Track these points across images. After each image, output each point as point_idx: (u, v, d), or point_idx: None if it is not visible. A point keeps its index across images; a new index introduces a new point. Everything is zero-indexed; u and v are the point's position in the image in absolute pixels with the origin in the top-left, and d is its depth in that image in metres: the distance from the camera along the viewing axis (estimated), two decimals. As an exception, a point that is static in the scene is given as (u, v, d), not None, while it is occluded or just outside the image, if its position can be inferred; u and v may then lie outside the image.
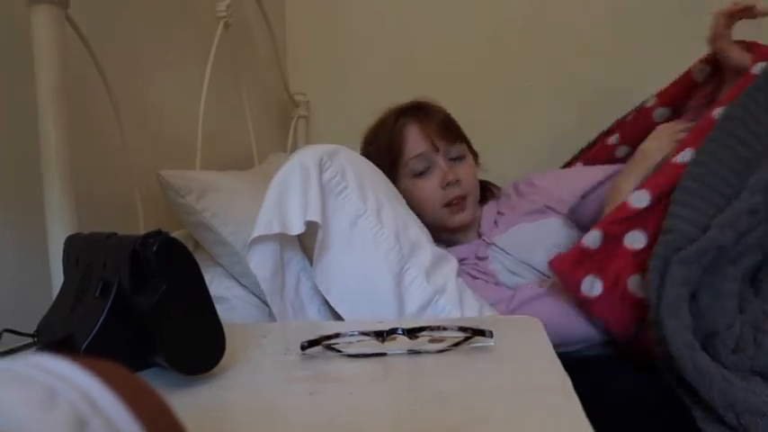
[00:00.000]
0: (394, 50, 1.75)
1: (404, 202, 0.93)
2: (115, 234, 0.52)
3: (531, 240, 1.08)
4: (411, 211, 0.93)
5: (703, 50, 1.12)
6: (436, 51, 1.72)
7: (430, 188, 1.11)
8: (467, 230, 1.17)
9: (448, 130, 1.12)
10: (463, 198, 1.11)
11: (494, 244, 1.10)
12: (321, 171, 0.79)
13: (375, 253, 0.79)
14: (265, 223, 0.77)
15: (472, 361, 0.50)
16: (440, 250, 0.88)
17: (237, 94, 1.39)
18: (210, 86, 1.20)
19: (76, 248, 0.56)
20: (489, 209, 1.19)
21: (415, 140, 1.11)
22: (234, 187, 1.02)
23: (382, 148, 1.14)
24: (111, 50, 0.95)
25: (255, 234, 0.77)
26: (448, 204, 1.11)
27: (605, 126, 1.36)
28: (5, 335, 0.56)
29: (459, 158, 1.13)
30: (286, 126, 1.74)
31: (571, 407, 0.39)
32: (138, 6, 1.07)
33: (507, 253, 1.08)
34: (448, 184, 1.09)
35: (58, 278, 0.71)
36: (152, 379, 0.48)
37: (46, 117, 0.72)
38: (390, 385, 0.47)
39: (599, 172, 1.17)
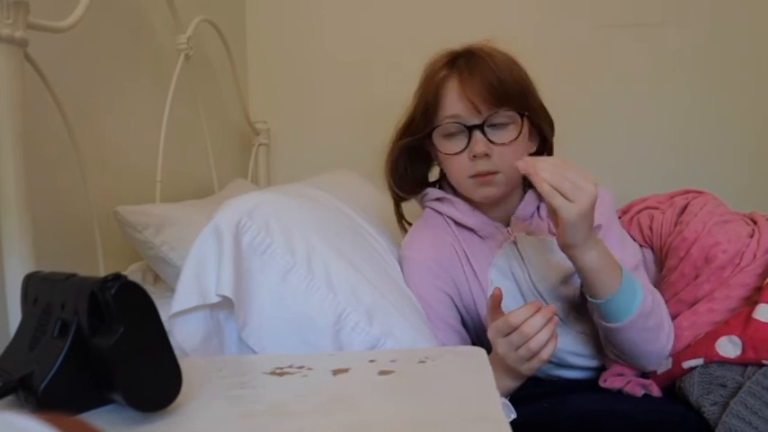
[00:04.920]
0: (354, 79, 1.80)
1: (359, 230, 0.93)
2: (74, 275, 0.53)
3: (553, 262, 0.97)
4: (365, 239, 0.93)
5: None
6: (398, 82, 1.77)
7: (457, 156, 0.97)
8: (496, 207, 1.03)
9: (495, 92, 0.93)
10: (492, 174, 0.95)
11: (515, 243, 1.00)
12: (240, 235, 0.77)
13: (308, 306, 0.76)
14: (184, 297, 0.75)
15: (411, 388, 0.53)
16: (395, 284, 0.87)
17: (198, 124, 1.40)
18: (171, 117, 1.21)
19: (35, 288, 0.57)
20: (531, 199, 1.03)
21: (452, 99, 0.97)
22: (192, 219, 1.03)
23: (420, 101, 1.02)
24: (71, 85, 0.96)
25: (175, 310, 0.75)
26: (474, 176, 0.96)
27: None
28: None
29: (503, 126, 0.96)
30: (247, 154, 1.76)
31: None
32: (98, 41, 1.08)
33: (522, 259, 0.99)
34: (475, 157, 0.94)
35: (14, 316, 0.72)
36: (110, 415, 0.50)
37: (4, 154, 0.73)
38: (340, 417, 0.49)
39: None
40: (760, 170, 1.64)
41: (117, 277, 0.47)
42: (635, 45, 1.69)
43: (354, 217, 1.06)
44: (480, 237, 1.02)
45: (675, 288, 0.95)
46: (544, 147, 1.05)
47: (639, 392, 0.89)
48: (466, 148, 0.95)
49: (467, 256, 1.01)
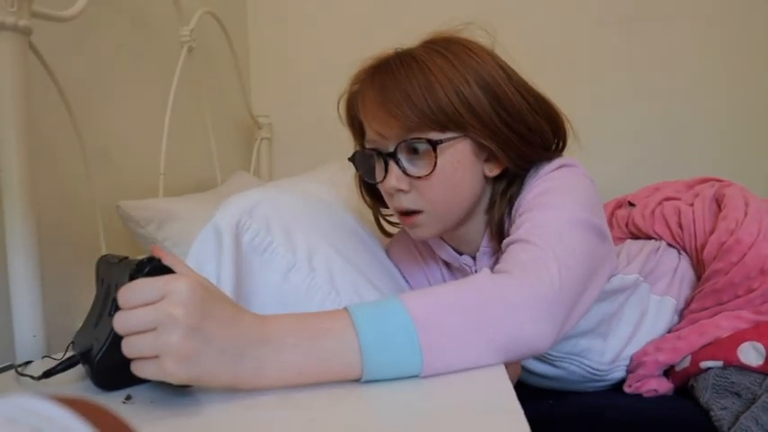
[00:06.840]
0: (356, 73, 1.79)
1: (360, 227, 0.91)
2: (126, 258, 0.57)
3: None
4: (366, 236, 0.92)
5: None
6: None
7: (381, 185, 0.81)
8: (458, 240, 0.88)
9: (398, 115, 0.74)
10: (415, 213, 0.79)
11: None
12: (240, 235, 0.76)
13: (310, 305, 0.74)
14: None
15: (423, 380, 0.53)
16: (396, 282, 0.85)
17: (201, 117, 1.40)
18: (174, 110, 1.21)
19: (102, 269, 0.62)
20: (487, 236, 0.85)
21: (366, 122, 0.81)
22: (194, 213, 1.02)
23: (347, 121, 0.90)
24: (75, 77, 0.96)
25: None
26: (399, 213, 0.82)
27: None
28: None
29: (424, 154, 0.76)
30: (249, 147, 1.76)
31: (518, 429, 0.41)
32: (102, 31, 1.08)
33: None
34: (386, 192, 0.81)
35: (18, 306, 0.71)
36: (153, 390, 0.54)
37: (8, 146, 0.72)
38: (352, 408, 0.49)
39: None
40: (763, 165, 1.63)
41: (150, 260, 0.51)
42: (636, 40, 1.68)
43: (355, 213, 1.06)
44: (449, 268, 0.95)
45: (720, 297, 0.87)
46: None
47: (648, 392, 0.88)
48: (384, 179, 0.79)
49: (428, 281, 0.97)
